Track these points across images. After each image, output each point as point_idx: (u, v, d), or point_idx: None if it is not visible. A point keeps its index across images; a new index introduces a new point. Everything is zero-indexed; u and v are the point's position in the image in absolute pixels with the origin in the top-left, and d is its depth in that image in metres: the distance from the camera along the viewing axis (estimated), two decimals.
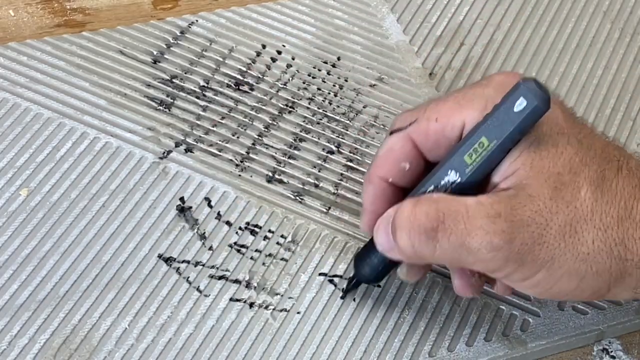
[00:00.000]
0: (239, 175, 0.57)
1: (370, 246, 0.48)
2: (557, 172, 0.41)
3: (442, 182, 0.43)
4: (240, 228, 0.55)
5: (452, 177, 0.43)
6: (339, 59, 0.64)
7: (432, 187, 0.44)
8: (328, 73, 0.63)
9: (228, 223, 0.55)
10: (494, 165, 0.43)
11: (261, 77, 0.62)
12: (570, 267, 0.42)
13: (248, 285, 0.53)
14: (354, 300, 0.53)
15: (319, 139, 0.59)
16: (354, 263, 0.50)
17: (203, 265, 0.53)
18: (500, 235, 0.41)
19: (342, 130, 0.60)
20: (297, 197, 0.57)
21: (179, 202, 0.56)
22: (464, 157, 0.43)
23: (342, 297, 0.52)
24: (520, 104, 0.41)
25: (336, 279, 0.53)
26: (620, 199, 0.42)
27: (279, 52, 0.64)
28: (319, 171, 0.58)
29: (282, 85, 0.62)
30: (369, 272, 0.49)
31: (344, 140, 0.59)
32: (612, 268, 0.42)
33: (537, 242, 0.41)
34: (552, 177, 0.41)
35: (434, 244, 0.42)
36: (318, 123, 0.60)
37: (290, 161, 0.58)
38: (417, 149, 0.46)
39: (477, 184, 0.43)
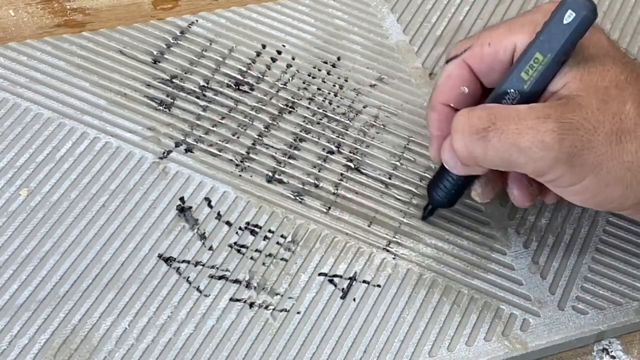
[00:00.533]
0: (239, 175, 0.57)
1: (441, 171, 0.52)
2: (604, 86, 0.44)
3: (503, 101, 0.46)
4: (240, 228, 0.55)
5: (512, 95, 0.46)
6: (339, 59, 0.64)
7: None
8: (328, 73, 0.63)
9: (228, 223, 0.55)
10: (549, 78, 0.46)
11: (261, 77, 0.62)
12: (616, 174, 0.44)
13: (248, 285, 0.53)
14: (354, 300, 0.53)
15: (319, 139, 0.59)
16: (427, 191, 0.53)
17: (203, 265, 0.53)
18: (551, 135, 0.43)
19: (342, 130, 0.60)
20: (297, 197, 0.57)
21: (179, 202, 0.56)
22: (521, 73, 0.46)
23: (423, 219, 0.56)
24: (569, 16, 0.44)
25: (336, 279, 0.53)
26: None
27: (279, 52, 0.64)
28: (319, 171, 0.58)
29: (282, 85, 0.62)
30: (442, 195, 0.52)
31: (344, 140, 0.59)
32: None
33: (586, 146, 0.43)
34: (600, 90, 0.44)
35: (485, 144, 0.44)
36: (318, 123, 0.60)
37: (290, 161, 0.58)
38: (473, 73, 0.49)
39: (535, 99, 0.46)
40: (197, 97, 0.61)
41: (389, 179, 0.58)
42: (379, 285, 0.53)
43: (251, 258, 0.54)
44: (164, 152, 0.58)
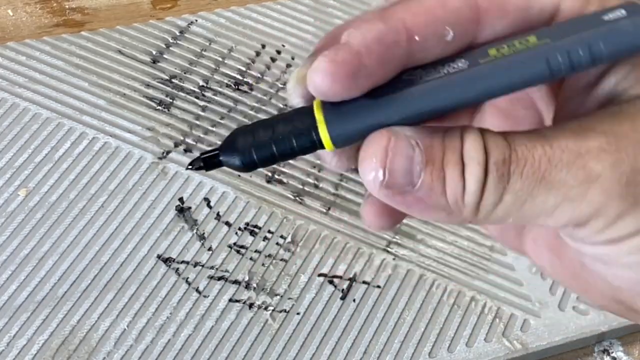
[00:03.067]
0: (238, 175, 0.57)
1: (294, 118, 0.27)
2: None
3: (445, 69, 0.27)
4: (239, 228, 0.55)
5: (460, 64, 0.27)
6: None
7: (440, 73, 0.27)
8: None
9: (227, 223, 0.55)
10: (525, 79, 0.26)
11: (261, 77, 0.62)
12: None
13: (247, 286, 0.53)
14: (354, 301, 0.52)
15: None
16: (235, 137, 0.28)
17: (202, 265, 0.53)
18: (599, 156, 0.27)
19: None
20: (297, 198, 0.56)
21: (178, 203, 0.55)
22: (489, 48, 0.27)
23: (187, 168, 0.30)
24: (616, 13, 0.26)
25: (336, 280, 0.53)
26: None
27: (279, 52, 0.64)
28: (319, 171, 0.58)
29: (281, 85, 0.62)
30: (260, 156, 0.28)
31: None
32: None
33: None
34: None
35: (502, 186, 0.26)
36: None
37: (290, 161, 0.58)
38: (477, 21, 0.28)
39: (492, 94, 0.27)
40: (197, 97, 0.60)
41: None
42: (378, 286, 0.53)
43: (250, 259, 0.54)
44: (163, 152, 0.58)
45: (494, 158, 0.26)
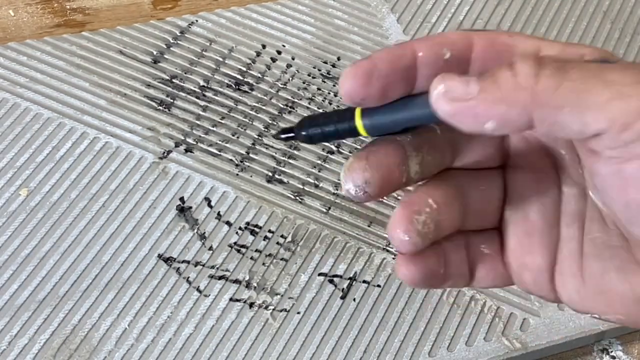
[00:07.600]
0: (239, 175, 0.57)
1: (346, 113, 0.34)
2: None
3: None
4: (240, 228, 0.55)
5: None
6: (339, 59, 0.64)
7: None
8: (328, 73, 0.63)
9: (228, 223, 0.55)
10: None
11: (261, 77, 0.62)
12: None
13: (248, 285, 0.53)
14: (354, 300, 0.53)
15: None
16: (303, 120, 0.35)
17: (203, 265, 0.53)
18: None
19: None
20: (297, 197, 0.57)
21: (178, 202, 0.56)
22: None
23: (275, 137, 0.38)
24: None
25: (336, 279, 0.53)
26: None
27: (279, 52, 0.64)
28: (319, 171, 0.58)
29: (282, 85, 0.62)
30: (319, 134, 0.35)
31: (343, 140, 0.59)
32: None
33: None
34: None
35: (562, 75, 0.29)
36: None
37: (290, 161, 0.58)
38: (470, 49, 0.33)
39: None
40: (197, 97, 0.61)
41: None
42: (379, 285, 0.53)
43: (251, 258, 0.54)
44: (164, 152, 0.58)
45: (549, 59, 0.30)
